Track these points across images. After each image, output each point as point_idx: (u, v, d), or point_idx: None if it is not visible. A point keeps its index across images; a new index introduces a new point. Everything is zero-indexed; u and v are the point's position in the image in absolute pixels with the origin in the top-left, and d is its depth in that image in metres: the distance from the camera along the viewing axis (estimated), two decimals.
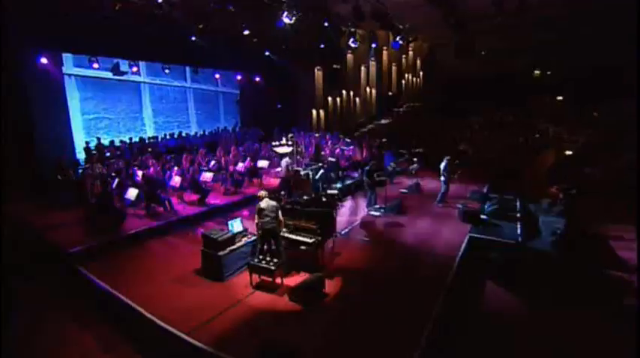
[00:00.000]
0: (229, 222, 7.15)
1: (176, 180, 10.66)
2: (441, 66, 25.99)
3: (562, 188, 10.70)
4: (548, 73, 26.54)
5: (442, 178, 11.03)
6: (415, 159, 14.59)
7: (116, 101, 16.64)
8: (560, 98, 24.64)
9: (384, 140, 14.51)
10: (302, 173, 11.10)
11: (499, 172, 13.47)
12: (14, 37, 11.21)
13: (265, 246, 6.57)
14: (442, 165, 10.99)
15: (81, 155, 14.11)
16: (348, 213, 10.37)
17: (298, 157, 13.22)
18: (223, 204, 11.09)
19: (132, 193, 9.60)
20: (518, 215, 9.60)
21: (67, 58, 14.74)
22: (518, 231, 8.49)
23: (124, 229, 8.79)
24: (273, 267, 6.01)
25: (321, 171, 10.88)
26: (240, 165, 12.56)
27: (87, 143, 14.12)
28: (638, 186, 9.11)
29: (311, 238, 6.59)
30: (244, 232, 7.24)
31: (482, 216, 9.50)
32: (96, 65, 14.12)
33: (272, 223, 6.49)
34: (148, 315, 5.47)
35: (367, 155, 14.76)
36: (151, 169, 11.75)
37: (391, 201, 10.88)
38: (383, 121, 23.61)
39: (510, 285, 6.60)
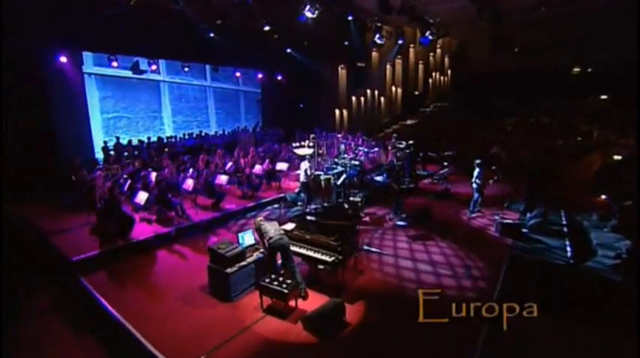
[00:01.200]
0: (240, 235, 6.45)
1: (189, 183, 10.09)
2: (471, 63, 24.66)
3: (614, 198, 9.49)
4: (589, 70, 24.74)
5: (474, 185, 10.02)
6: (445, 164, 13.56)
7: (135, 100, 16.35)
8: (604, 97, 22.86)
9: (410, 142, 13.42)
10: (322, 178, 10.31)
11: (537, 179, 12.27)
12: (33, 36, 10.96)
13: (277, 262, 5.82)
14: (475, 171, 9.97)
15: (99, 155, 13.85)
16: (372, 223, 9.51)
17: (319, 159, 12.45)
18: (239, 209, 10.45)
19: (141, 197, 9.08)
20: (566, 230, 8.50)
21: (87, 57, 14.51)
22: (568, 250, 7.43)
23: (131, 236, 8.25)
24: (286, 290, 5.25)
25: (344, 175, 10.05)
26: (258, 168, 11.90)
27: (105, 142, 13.83)
28: None
29: (330, 256, 5.80)
30: (256, 245, 6.53)
31: (524, 230, 8.45)
32: (115, 64, 13.80)
33: (281, 238, 5.75)
34: (148, 346, 4.81)
35: (392, 158, 13.84)
36: (166, 171, 11.25)
37: (418, 209, 9.95)
38: (409, 122, 22.54)
39: (563, 316, 5.60)
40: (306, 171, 9.98)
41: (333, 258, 5.74)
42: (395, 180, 10.15)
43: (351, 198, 9.67)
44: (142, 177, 10.20)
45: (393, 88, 24.30)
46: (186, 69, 15.95)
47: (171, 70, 17.28)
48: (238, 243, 6.35)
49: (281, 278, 5.44)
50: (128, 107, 16.09)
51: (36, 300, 6.24)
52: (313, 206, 9.80)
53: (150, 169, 11.37)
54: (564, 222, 9.15)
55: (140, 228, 8.74)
